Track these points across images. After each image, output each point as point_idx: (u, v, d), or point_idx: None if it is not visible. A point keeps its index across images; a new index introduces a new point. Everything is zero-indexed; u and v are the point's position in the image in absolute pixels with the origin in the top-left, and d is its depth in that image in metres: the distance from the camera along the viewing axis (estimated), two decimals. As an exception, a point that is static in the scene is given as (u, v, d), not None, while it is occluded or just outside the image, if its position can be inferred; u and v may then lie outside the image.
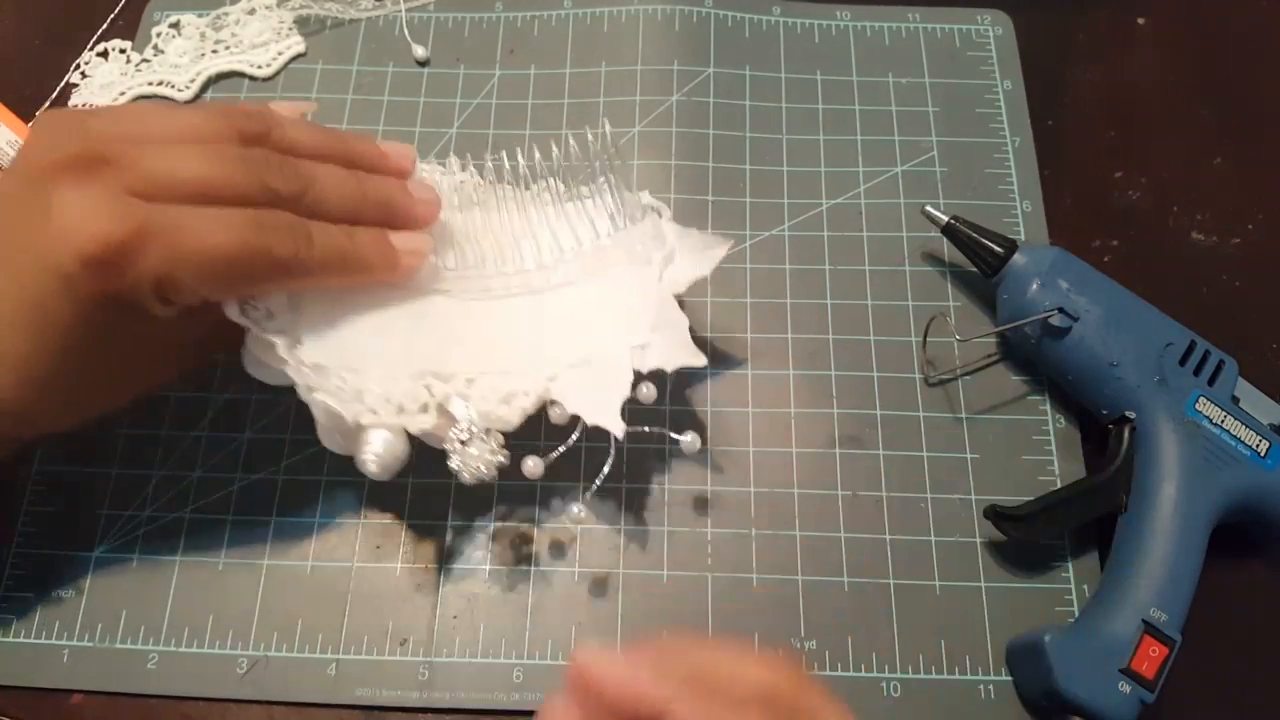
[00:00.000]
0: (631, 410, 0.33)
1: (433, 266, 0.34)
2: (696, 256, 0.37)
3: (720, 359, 0.39)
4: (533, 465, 0.34)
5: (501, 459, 0.32)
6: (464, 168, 0.39)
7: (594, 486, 0.35)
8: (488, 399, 0.33)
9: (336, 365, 0.32)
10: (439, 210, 0.34)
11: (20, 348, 0.29)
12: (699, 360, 0.34)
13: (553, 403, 0.34)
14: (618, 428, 0.33)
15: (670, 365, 0.34)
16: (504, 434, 0.33)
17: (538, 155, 0.37)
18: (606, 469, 0.34)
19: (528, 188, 0.38)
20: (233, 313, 0.31)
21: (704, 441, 0.36)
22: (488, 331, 0.34)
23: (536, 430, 0.35)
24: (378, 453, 0.31)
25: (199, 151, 0.29)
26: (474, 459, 0.32)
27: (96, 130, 0.29)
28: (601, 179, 0.37)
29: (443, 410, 0.32)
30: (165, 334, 0.31)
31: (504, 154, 0.38)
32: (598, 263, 0.36)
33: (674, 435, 0.36)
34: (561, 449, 0.34)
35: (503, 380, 0.33)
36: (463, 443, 0.32)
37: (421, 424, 0.32)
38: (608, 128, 0.37)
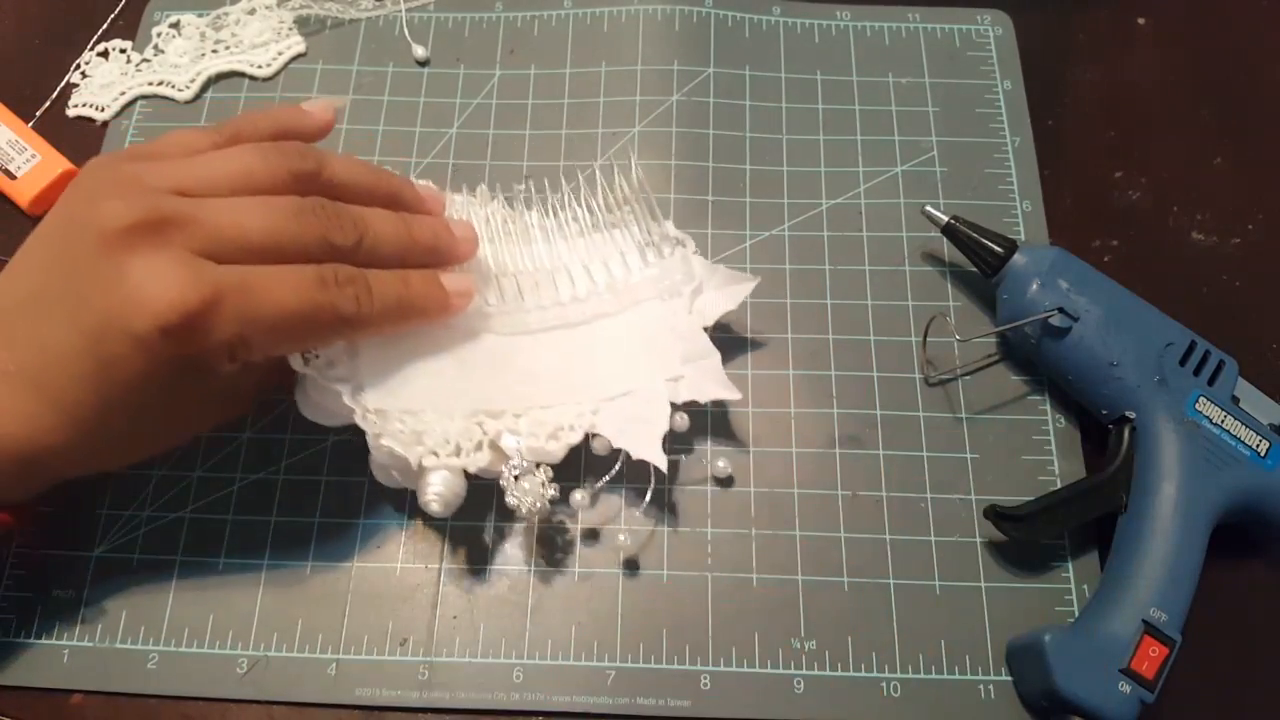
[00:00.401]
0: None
1: (475, 304, 0.35)
2: (724, 291, 0.38)
3: (721, 359, 0.39)
4: (580, 498, 0.36)
5: (553, 492, 0.33)
6: (493, 197, 0.40)
7: (641, 508, 0.36)
8: (536, 434, 0.34)
9: (396, 409, 0.33)
10: (477, 246, 0.36)
11: (80, 399, 0.29)
12: (733, 394, 0.36)
13: (595, 435, 0.35)
14: (661, 461, 0.34)
15: (704, 398, 0.36)
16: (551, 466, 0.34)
17: (564, 186, 0.39)
18: (648, 497, 0.36)
19: (556, 215, 0.40)
20: (296, 364, 0.32)
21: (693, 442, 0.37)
22: (529, 366, 0.36)
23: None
24: (440, 493, 0.32)
25: (260, 207, 0.30)
26: (527, 493, 0.33)
27: (157, 186, 0.29)
28: (627, 208, 0.39)
29: (494, 446, 0.33)
30: (222, 386, 0.32)
31: (530, 183, 0.40)
32: (629, 295, 0.38)
33: (716, 467, 0.37)
34: (606, 479, 0.35)
35: (547, 415, 0.35)
36: (516, 478, 0.33)
37: (478, 462, 0.33)
38: (636, 166, 0.39)
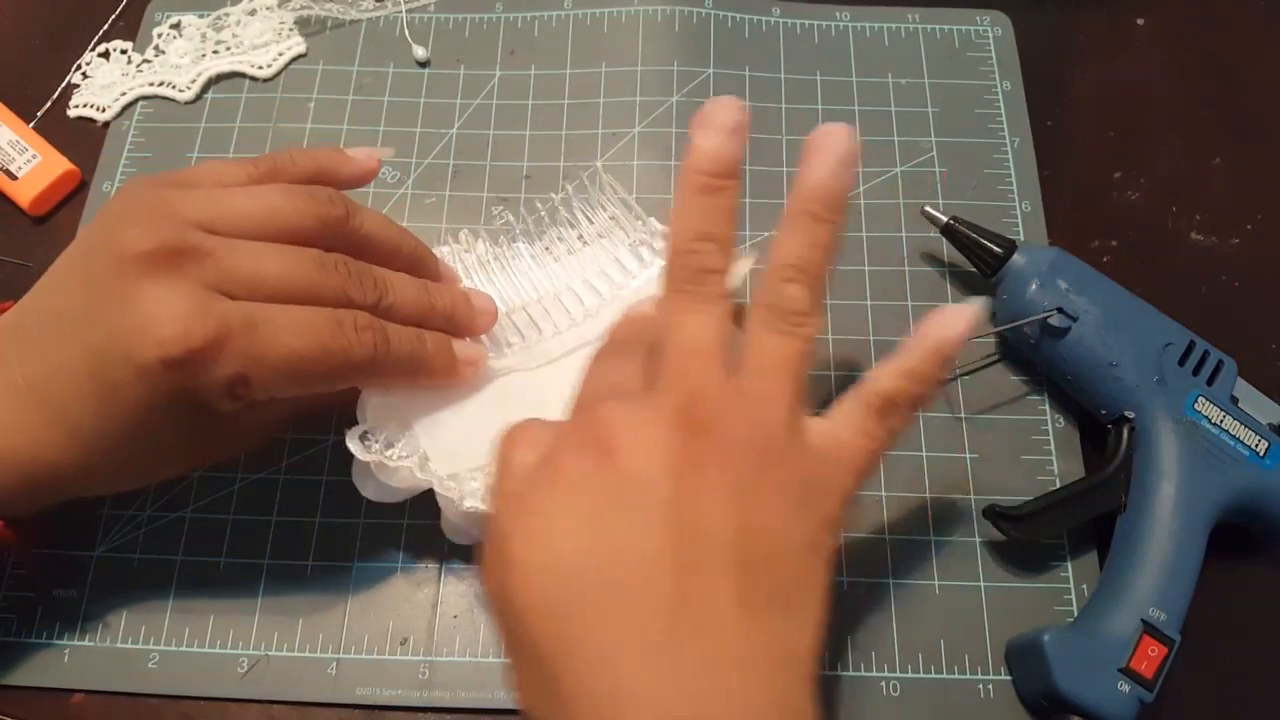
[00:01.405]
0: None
1: (497, 348, 0.36)
2: None
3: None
4: None
5: None
6: (477, 237, 0.40)
7: None
8: None
9: (464, 470, 0.33)
10: (496, 319, 0.36)
11: (84, 421, 0.29)
12: None
13: None
14: None
15: None
16: None
17: (540, 208, 0.40)
18: None
19: (541, 239, 0.40)
20: (359, 452, 0.32)
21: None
22: (564, 392, 0.35)
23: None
24: None
25: (282, 253, 0.30)
26: None
27: (182, 216, 0.29)
28: (608, 215, 0.39)
29: None
30: (227, 424, 0.32)
31: (509, 213, 0.41)
32: (636, 298, 0.38)
33: None
34: None
35: None
36: None
37: None
38: (601, 171, 0.39)
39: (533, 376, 0.36)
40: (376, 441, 0.33)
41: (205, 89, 0.46)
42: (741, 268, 0.39)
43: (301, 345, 0.29)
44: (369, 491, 0.34)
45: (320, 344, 0.29)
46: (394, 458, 0.32)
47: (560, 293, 0.38)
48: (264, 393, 0.29)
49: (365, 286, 0.31)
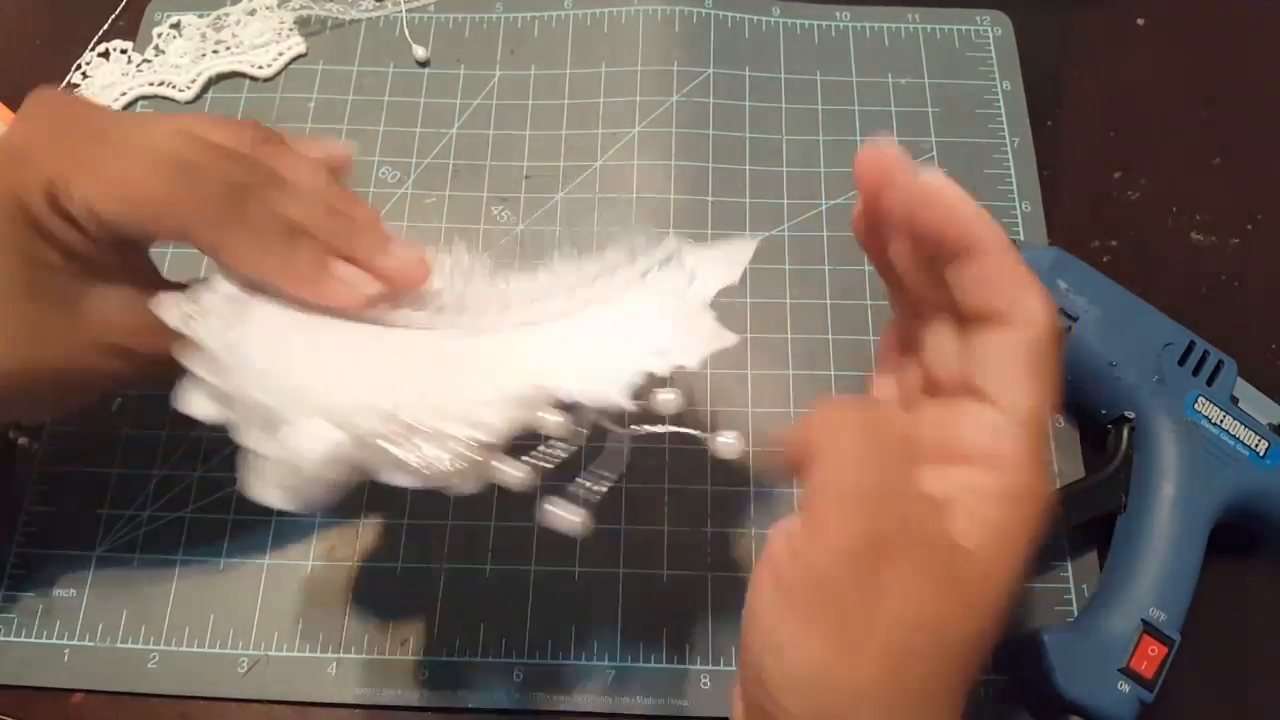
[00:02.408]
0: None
1: (428, 303, 0.32)
2: (722, 266, 0.35)
3: (720, 359, 0.39)
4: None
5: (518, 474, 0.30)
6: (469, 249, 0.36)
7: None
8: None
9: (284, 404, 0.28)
10: (416, 273, 0.31)
11: None
12: (728, 340, 0.31)
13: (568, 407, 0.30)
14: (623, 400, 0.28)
15: (695, 359, 0.30)
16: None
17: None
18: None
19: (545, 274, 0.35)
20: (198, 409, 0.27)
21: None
22: (510, 367, 0.31)
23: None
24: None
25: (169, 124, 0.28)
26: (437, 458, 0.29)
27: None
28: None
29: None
30: (77, 294, 0.28)
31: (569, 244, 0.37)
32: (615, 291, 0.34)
33: (719, 438, 0.32)
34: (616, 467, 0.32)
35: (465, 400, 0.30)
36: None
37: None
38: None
39: (470, 343, 0.32)
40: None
41: (205, 89, 0.46)
42: (742, 256, 0.36)
43: (143, 166, 0.26)
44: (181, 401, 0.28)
45: (167, 174, 0.26)
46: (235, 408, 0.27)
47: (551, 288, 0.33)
48: (90, 213, 0.26)
49: (245, 167, 0.27)
